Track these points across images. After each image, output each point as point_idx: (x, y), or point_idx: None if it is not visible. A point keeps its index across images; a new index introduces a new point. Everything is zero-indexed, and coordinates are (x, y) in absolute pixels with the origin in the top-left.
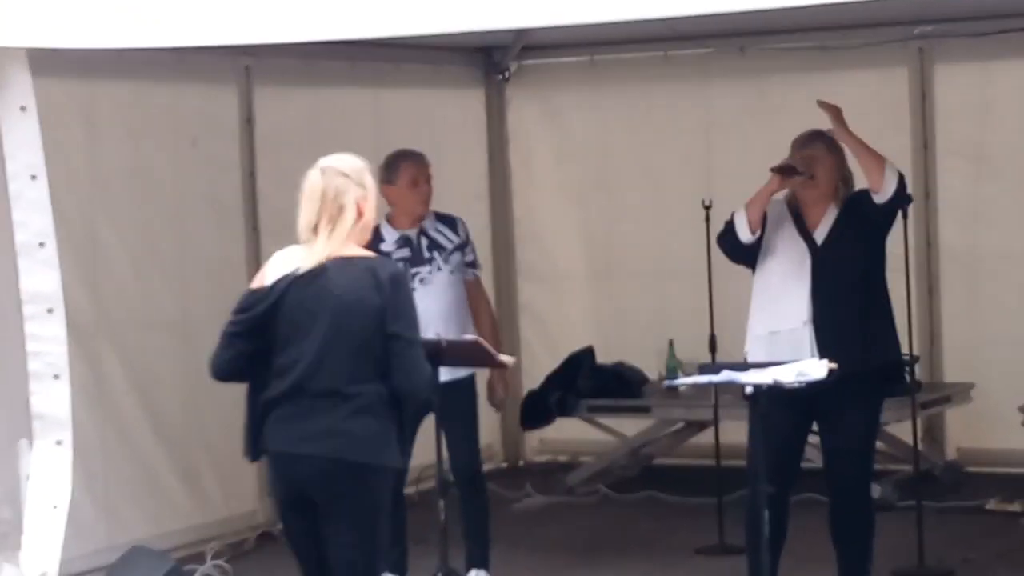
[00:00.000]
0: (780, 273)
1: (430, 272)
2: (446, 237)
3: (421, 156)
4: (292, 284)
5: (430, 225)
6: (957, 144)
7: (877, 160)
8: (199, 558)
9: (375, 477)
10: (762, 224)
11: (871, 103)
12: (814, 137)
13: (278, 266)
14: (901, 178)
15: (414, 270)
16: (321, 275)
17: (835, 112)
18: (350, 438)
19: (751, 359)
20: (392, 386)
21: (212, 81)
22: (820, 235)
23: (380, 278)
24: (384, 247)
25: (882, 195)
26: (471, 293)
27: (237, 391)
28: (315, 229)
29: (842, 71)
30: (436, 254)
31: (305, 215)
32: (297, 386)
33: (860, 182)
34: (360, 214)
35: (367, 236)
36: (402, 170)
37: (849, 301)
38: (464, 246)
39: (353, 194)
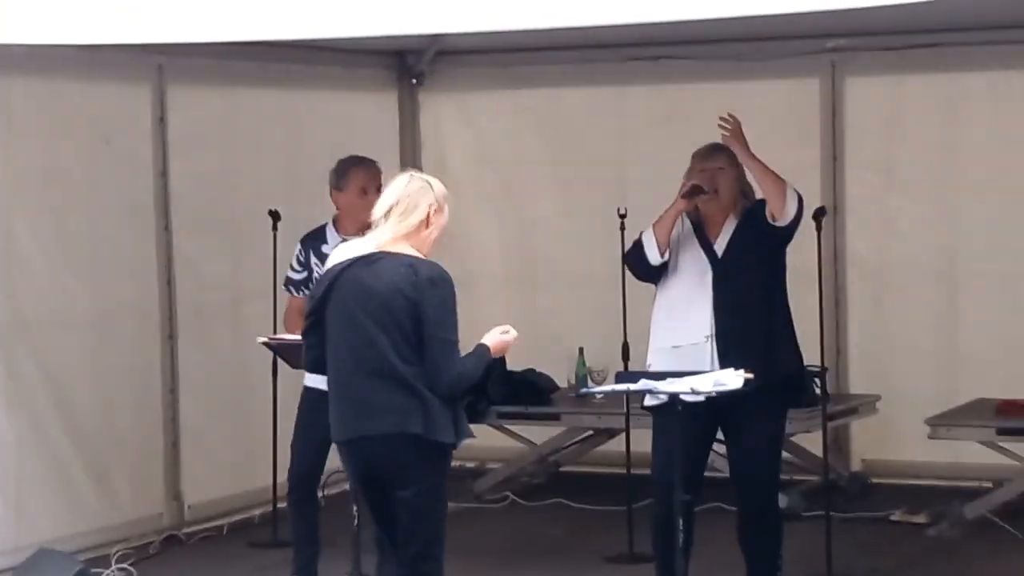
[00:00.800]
0: (682, 287)
1: None
2: None
3: (373, 164)
4: (346, 269)
5: None
6: (866, 156)
7: (778, 184)
8: (104, 561)
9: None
10: (669, 248)
11: (783, 114)
12: (715, 150)
13: (336, 256)
14: (800, 201)
15: None
16: (374, 263)
17: (735, 130)
18: (402, 415)
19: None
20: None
21: (126, 80)
22: (720, 248)
23: (420, 276)
24: (325, 249)
25: (782, 220)
26: None
27: (146, 392)
28: (386, 216)
29: (755, 82)
30: None
31: (382, 203)
32: (357, 366)
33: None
34: (428, 222)
35: (425, 248)
36: (351, 177)
37: (751, 314)
38: None
39: (429, 200)
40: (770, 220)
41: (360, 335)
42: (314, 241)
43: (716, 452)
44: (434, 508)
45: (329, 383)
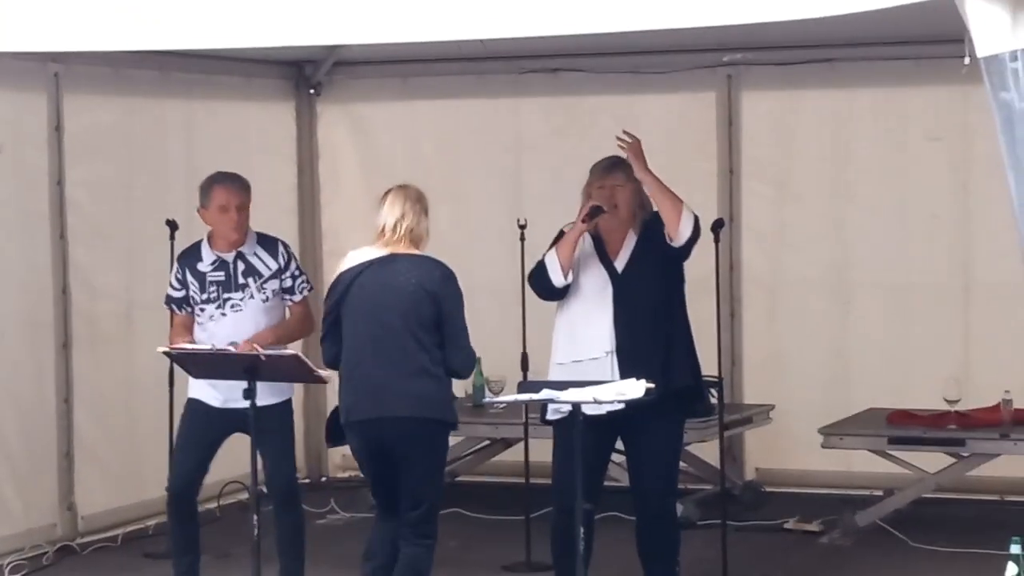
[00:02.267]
0: (583, 302)
1: (242, 299)
2: (263, 263)
3: (236, 181)
4: (366, 269)
5: (249, 249)
6: (761, 169)
7: (674, 204)
8: None
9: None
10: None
11: (680, 127)
12: (614, 166)
13: (351, 259)
14: (696, 222)
15: (226, 295)
16: (393, 263)
17: (635, 149)
18: (421, 399)
19: None
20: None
21: (21, 87)
22: (620, 264)
23: (438, 272)
24: (201, 267)
25: (677, 241)
26: (292, 315)
27: (40, 402)
28: (396, 226)
29: (652, 94)
30: (251, 280)
31: (391, 214)
32: (376, 355)
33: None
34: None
35: (424, 248)
36: (213, 195)
37: (650, 328)
38: (282, 272)
39: (426, 208)
40: (667, 240)
41: (383, 327)
42: (189, 259)
43: (613, 461)
44: (437, 478)
45: (346, 371)
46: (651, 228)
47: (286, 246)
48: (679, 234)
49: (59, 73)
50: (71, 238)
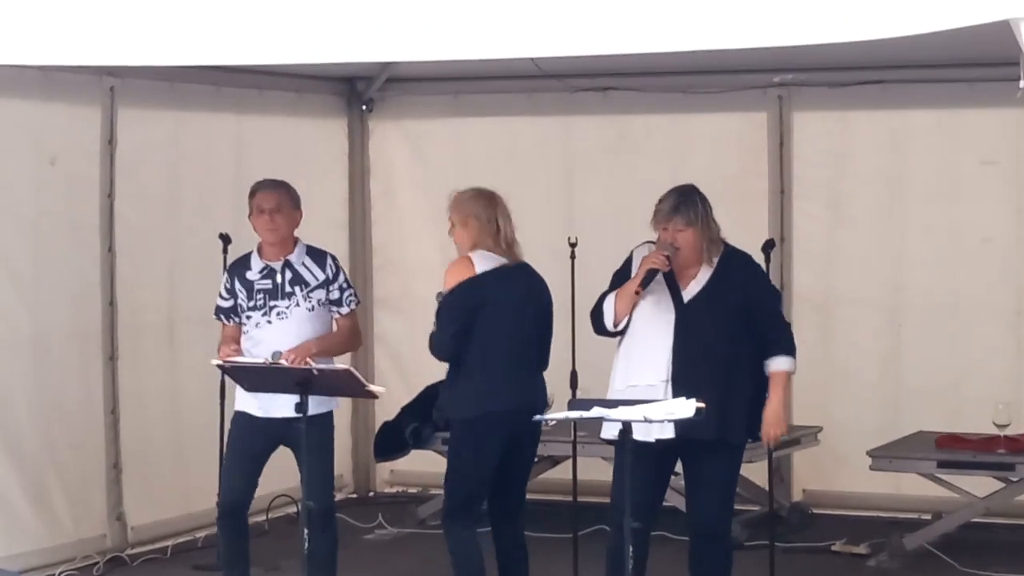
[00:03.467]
0: (645, 328)
1: (288, 307)
2: (311, 272)
3: (273, 186)
4: (502, 278)
5: (297, 259)
6: (813, 190)
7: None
8: None
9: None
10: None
11: (731, 147)
12: (674, 210)
13: (481, 263)
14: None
15: (272, 303)
16: (525, 271)
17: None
18: (533, 392)
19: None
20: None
21: (76, 101)
22: (688, 294)
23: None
24: (249, 275)
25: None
26: (339, 328)
27: (88, 413)
28: (513, 235)
29: (703, 114)
30: (297, 288)
31: (510, 227)
32: (514, 356)
33: (734, 231)
34: None
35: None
36: (253, 199)
37: (710, 362)
38: (329, 283)
39: None
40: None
41: (521, 330)
42: (239, 268)
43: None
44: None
45: (490, 367)
46: (726, 265)
47: (335, 259)
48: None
49: (115, 87)
50: (119, 251)
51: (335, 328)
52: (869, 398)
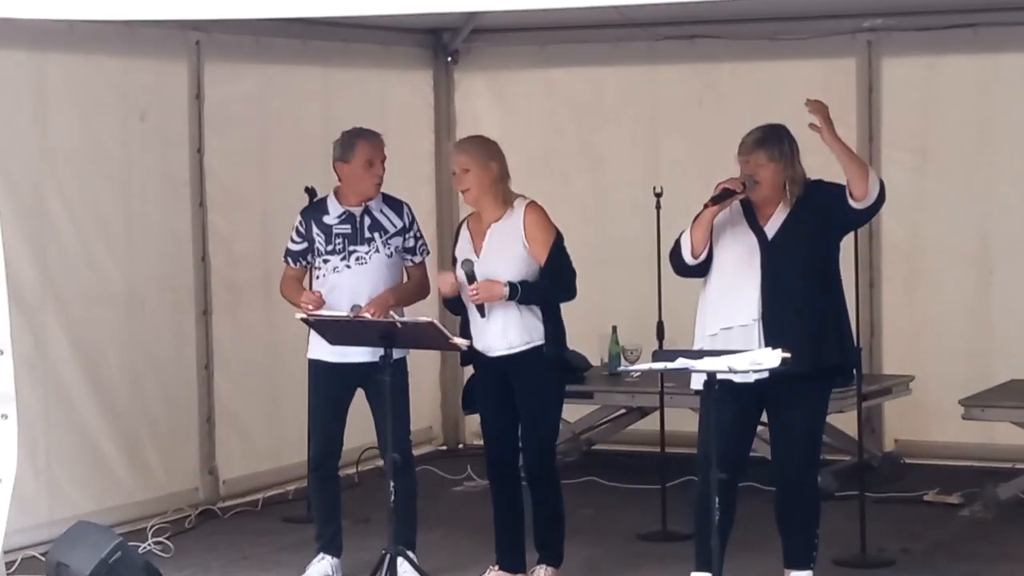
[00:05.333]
0: (731, 269)
1: (367, 252)
2: (389, 220)
3: (377, 137)
4: None
5: (376, 206)
6: (901, 137)
7: (861, 168)
8: (140, 535)
9: None
10: (708, 246)
11: (818, 94)
12: (757, 144)
13: None
14: (882, 187)
15: (352, 248)
16: None
17: (822, 113)
18: None
19: None
20: None
21: (162, 56)
22: (771, 230)
23: None
24: (327, 220)
25: (864, 203)
26: (410, 277)
27: (180, 368)
28: None
29: (790, 61)
30: (376, 235)
31: None
32: None
33: (821, 173)
34: None
35: None
36: (358, 149)
37: (799, 299)
38: (406, 231)
39: None
40: (851, 202)
41: None
42: (315, 212)
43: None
44: None
45: None
46: (807, 201)
47: (410, 208)
48: (867, 194)
49: (200, 41)
50: (209, 206)
51: (406, 278)
52: (960, 347)
